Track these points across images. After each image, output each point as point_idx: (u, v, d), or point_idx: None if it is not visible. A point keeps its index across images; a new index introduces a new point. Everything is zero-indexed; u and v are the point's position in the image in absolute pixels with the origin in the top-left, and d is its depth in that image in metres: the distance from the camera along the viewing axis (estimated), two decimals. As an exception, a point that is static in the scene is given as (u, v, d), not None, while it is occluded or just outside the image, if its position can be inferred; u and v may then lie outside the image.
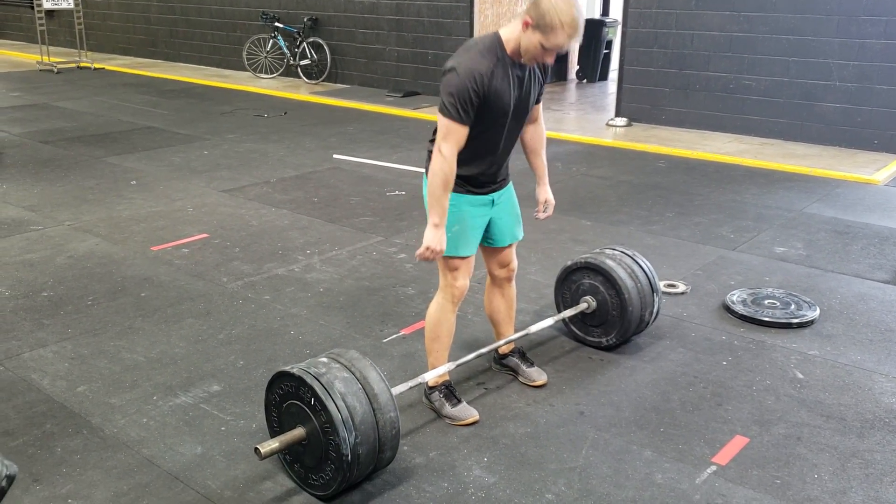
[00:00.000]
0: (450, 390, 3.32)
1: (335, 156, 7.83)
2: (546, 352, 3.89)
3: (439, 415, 3.30)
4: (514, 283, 3.53)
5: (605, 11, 13.59)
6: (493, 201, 3.20)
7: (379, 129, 9.19)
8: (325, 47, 12.06)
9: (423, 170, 3.18)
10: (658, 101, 9.23)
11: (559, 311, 3.94)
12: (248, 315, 4.28)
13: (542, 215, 3.46)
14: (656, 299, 3.83)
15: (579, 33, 2.80)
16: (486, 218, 3.21)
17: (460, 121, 2.85)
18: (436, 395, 3.32)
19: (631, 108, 9.41)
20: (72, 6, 13.75)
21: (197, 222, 5.79)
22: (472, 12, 10.59)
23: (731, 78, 8.65)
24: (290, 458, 2.84)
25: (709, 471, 2.97)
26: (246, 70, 13.06)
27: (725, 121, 8.79)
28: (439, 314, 3.26)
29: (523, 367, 3.60)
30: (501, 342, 3.53)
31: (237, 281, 4.73)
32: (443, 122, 2.87)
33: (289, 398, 2.76)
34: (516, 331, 3.63)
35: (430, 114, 9.98)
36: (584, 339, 3.94)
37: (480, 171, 3.09)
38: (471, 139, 2.93)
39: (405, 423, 3.21)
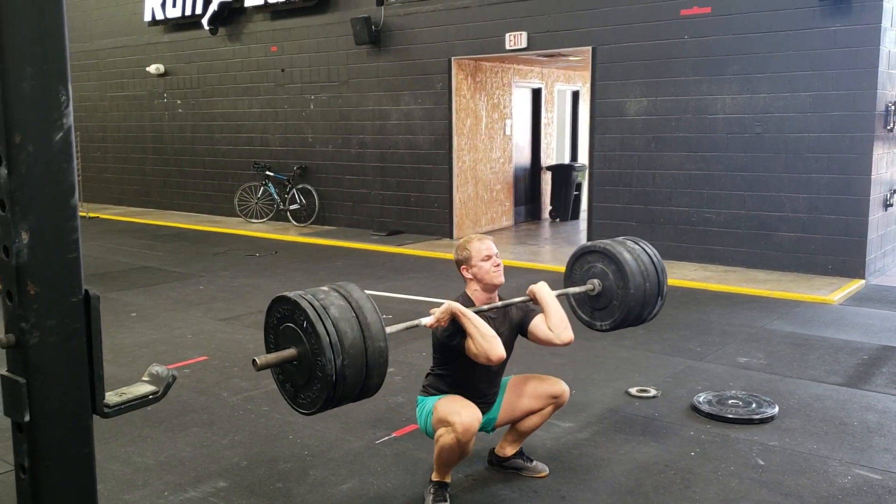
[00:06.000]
0: (443, 489, 3.59)
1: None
2: (527, 449, 4.19)
3: (426, 504, 3.57)
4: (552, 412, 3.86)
5: (574, 157, 14.58)
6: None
7: (365, 264, 9.70)
8: (314, 192, 12.78)
9: (422, 388, 3.75)
10: (626, 235, 9.82)
11: (566, 286, 4.12)
12: (248, 423, 4.58)
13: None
14: (660, 302, 4.00)
15: (484, 238, 3.66)
16: None
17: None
18: (431, 487, 3.59)
19: (602, 241, 10.00)
20: (71, 159, 14.43)
21: (197, 347, 6.14)
22: (450, 158, 11.38)
23: (693, 212, 9.34)
24: (283, 377, 3.06)
25: (679, 541, 3.25)
26: (237, 216, 13.72)
27: (690, 251, 9.40)
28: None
29: (527, 465, 3.90)
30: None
31: (237, 395, 5.05)
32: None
33: (285, 321, 2.99)
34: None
35: (414, 249, 10.55)
36: (581, 317, 4.15)
37: (470, 395, 3.61)
38: (461, 373, 3.56)
39: None
